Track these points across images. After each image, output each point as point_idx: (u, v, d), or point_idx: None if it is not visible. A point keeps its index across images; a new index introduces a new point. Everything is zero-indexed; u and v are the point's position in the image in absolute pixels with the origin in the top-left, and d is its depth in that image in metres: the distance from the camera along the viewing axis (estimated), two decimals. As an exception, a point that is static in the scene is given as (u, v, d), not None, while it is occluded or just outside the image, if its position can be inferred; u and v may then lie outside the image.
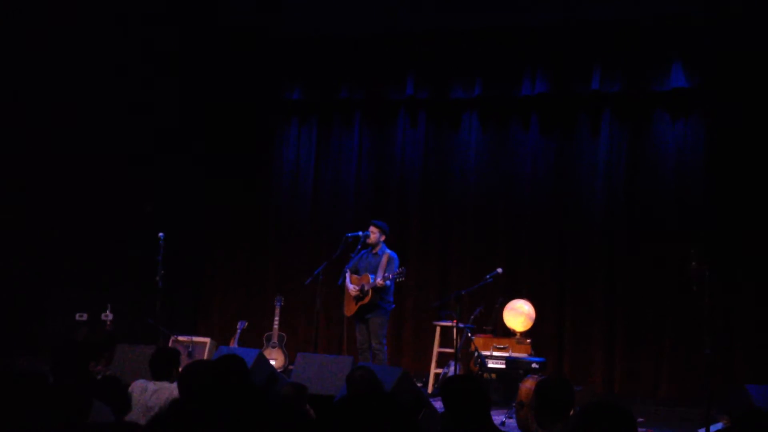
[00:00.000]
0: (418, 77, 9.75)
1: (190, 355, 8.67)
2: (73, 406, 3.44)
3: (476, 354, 7.89)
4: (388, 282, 7.84)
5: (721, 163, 8.77)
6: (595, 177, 9.29)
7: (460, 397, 3.49)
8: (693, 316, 7.87)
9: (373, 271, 7.97)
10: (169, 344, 8.65)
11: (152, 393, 4.73)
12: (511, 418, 6.93)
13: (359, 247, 8.12)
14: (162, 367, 5.10)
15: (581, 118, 9.41)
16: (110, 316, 9.04)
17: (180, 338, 8.99)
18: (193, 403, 1.43)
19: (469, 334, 8.17)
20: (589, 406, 2.72)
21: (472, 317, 8.60)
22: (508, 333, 8.64)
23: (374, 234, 8.09)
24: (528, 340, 8.49)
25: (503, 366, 8.02)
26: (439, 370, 8.77)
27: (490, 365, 8.11)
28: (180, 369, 5.03)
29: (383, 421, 1.55)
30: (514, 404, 6.76)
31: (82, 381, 4.14)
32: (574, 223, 9.35)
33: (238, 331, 9.53)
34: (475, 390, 3.54)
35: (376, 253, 8.09)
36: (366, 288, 7.90)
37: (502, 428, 6.44)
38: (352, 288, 7.99)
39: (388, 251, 8.09)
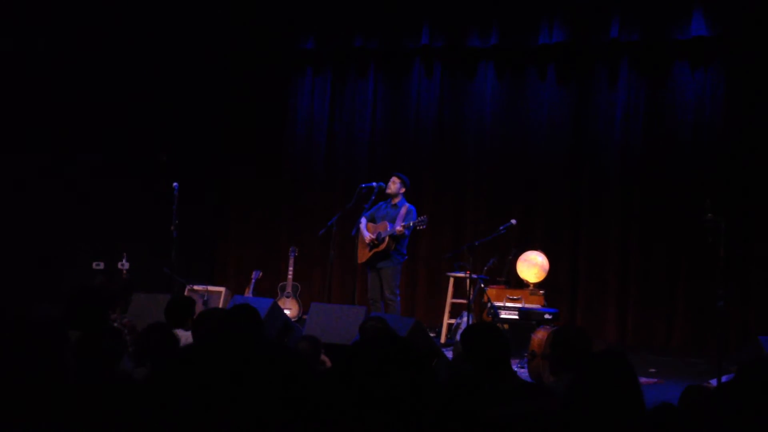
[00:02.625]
0: (434, 26, 9.60)
1: (205, 304, 8.76)
2: (100, 355, 3.48)
3: (489, 305, 7.92)
4: (407, 231, 7.84)
5: (741, 113, 8.65)
6: (612, 128, 9.19)
7: (482, 344, 3.48)
8: (707, 268, 7.85)
9: (391, 220, 7.97)
10: (185, 293, 8.73)
11: (168, 341, 4.78)
12: (523, 368, 6.98)
13: (373, 198, 8.11)
14: (177, 316, 5.17)
15: (599, 67, 9.27)
16: (126, 265, 9.11)
17: (195, 287, 9.07)
18: (206, 351, 1.44)
19: (482, 285, 8.20)
20: (589, 357, 2.74)
21: (486, 268, 8.62)
22: (522, 284, 8.66)
23: (394, 184, 8.06)
24: (541, 292, 8.51)
25: (516, 317, 8.05)
26: (452, 321, 8.83)
27: (502, 316, 8.15)
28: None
29: (399, 365, 1.54)
30: (526, 354, 6.80)
31: (101, 329, 4.17)
32: (589, 174, 9.29)
33: (253, 280, 9.61)
34: (496, 337, 3.53)
35: (395, 205, 8.09)
36: (383, 235, 7.90)
37: (514, 378, 6.49)
38: (367, 235, 8.00)
39: (407, 204, 8.09)
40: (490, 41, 9.40)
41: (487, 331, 3.64)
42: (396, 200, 8.09)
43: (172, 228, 8.26)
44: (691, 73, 8.94)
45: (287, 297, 9.51)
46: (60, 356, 3.09)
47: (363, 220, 8.08)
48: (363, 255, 8.07)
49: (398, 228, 7.80)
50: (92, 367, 3.29)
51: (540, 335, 6.62)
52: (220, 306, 8.68)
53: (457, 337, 8.29)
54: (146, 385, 1.52)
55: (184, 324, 5.04)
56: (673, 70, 9.01)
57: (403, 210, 7.98)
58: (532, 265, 8.62)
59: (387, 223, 7.94)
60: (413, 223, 7.79)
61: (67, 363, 3.14)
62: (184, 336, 4.81)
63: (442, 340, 8.78)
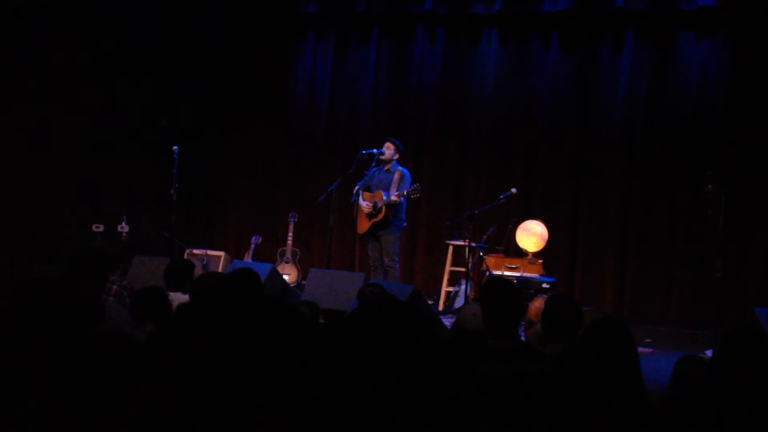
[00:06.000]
0: (438, -9, 9.50)
1: (204, 268, 8.78)
2: (86, 311, 3.48)
3: (488, 273, 7.93)
4: (402, 198, 7.85)
5: (745, 85, 8.59)
6: (615, 97, 9.14)
7: (500, 298, 3.52)
8: (706, 240, 7.86)
9: (385, 188, 7.96)
10: (184, 257, 8.75)
11: (166, 304, 4.78)
12: (519, 336, 7.02)
13: (373, 164, 8.09)
14: (176, 279, 5.17)
15: (604, 36, 9.19)
16: (126, 228, 9.12)
17: (195, 251, 9.08)
18: (204, 312, 1.44)
19: (481, 254, 8.21)
20: (589, 325, 2.75)
21: (485, 237, 8.63)
22: (521, 253, 8.67)
23: (389, 150, 8.05)
24: (540, 261, 8.52)
25: (514, 285, 8.07)
26: (450, 289, 8.86)
27: (501, 284, 8.15)
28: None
29: (402, 329, 1.54)
30: (523, 322, 6.82)
31: (98, 288, 4.18)
32: (591, 144, 9.25)
33: (252, 245, 9.62)
34: (515, 295, 3.57)
35: (388, 170, 8.07)
36: (379, 205, 7.90)
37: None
38: (365, 205, 8.00)
39: (400, 168, 8.07)
40: (494, 8, 9.31)
41: (508, 287, 3.66)
42: (389, 166, 8.08)
43: (172, 191, 8.27)
44: (696, 43, 8.87)
45: (286, 262, 9.53)
46: (66, 312, 3.10)
47: (359, 190, 8.04)
48: (363, 226, 8.07)
49: (393, 197, 7.82)
50: (80, 326, 3.30)
51: (537, 304, 6.60)
52: (220, 270, 8.71)
53: (456, 304, 8.33)
54: (147, 344, 1.52)
55: (182, 287, 5.05)
56: (678, 39, 8.94)
57: (396, 175, 7.97)
58: (532, 234, 8.63)
59: (382, 192, 7.93)
60: (407, 192, 7.79)
61: (73, 319, 3.15)
62: (182, 299, 4.83)
63: (440, 307, 8.82)
